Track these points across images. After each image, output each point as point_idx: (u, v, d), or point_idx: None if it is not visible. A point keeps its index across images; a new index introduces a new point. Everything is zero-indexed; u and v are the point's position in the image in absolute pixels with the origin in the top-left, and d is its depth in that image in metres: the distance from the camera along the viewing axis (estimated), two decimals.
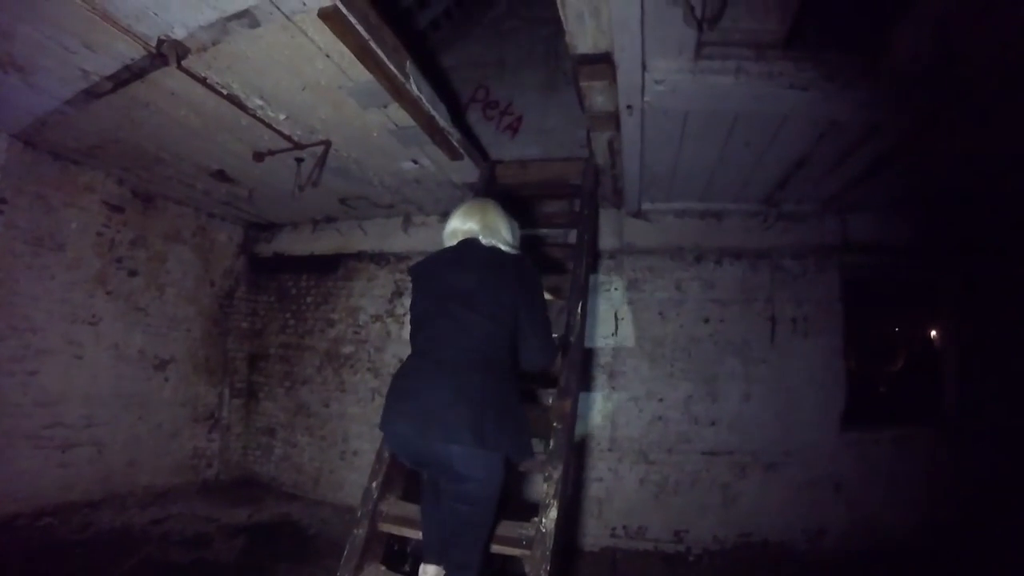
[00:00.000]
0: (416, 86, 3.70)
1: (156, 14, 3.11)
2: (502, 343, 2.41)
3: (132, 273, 5.88)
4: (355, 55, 3.31)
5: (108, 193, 5.58)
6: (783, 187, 5.09)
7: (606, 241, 5.92)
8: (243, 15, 3.09)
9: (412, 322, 2.58)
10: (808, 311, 5.50)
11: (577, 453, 5.41)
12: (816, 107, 3.57)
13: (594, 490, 5.56)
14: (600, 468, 5.59)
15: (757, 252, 5.65)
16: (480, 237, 2.60)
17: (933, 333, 6.82)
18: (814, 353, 5.43)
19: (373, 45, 3.27)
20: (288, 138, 4.56)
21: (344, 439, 6.56)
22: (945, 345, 5.81)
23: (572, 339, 3.23)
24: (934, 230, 5.38)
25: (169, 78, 3.69)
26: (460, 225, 2.66)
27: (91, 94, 3.92)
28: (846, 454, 5.27)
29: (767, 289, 5.59)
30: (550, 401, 3.06)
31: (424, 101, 3.85)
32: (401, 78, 3.56)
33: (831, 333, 5.45)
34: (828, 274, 5.54)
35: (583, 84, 3.39)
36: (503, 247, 2.60)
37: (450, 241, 2.67)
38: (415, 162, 4.97)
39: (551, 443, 2.85)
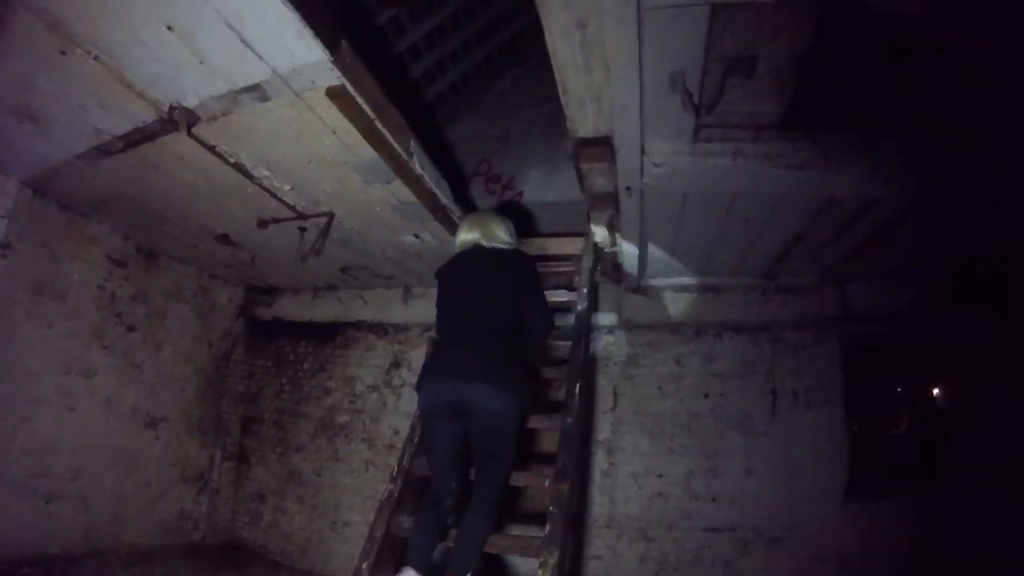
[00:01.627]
0: (419, 165, 3.77)
1: (170, 81, 3.21)
2: (507, 316, 3.11)
3: (130, 328, 5.85)
4: (361, 133, 3.39)
5: (112, 247, 5.60)
6: (781, 261, 5.11)
7: (605, 317, 5.92)
8: (253, 89, 3.17)
9: (438, 314, 3.32)
10: (809, 383, 5.43)
11: (574, 530, 5.26)
12: (813, 186, 3.62)
13: (592, 568, 5.38)
14: (598, 545, 5.43)
15: (757, 325, 5.62)
16: (483, 242, 3.36)
17: (936, 391, 6.70)
18: (816, 425, 5.32)
19: (379, 124, 3.35)
20: (292, 208, 4.61)
21: (335, 509, 6.40)
22: (949, 409, 5.69)
23: (570, 420, 3.19)
24: (933, 296, 5.34)
25: (179, 143, 3.76)
26: (466, 236, 3.44)
27: (102, 151, 3.99)
28: (850, 526, 5.10)
29: (767, 362, 5.54)
30: (547, 483, 2.99)
31: (427, 179, 3.92)
32: (405, 157, 3.64)
33: (833, 404, 5.36)
34: (828, 345, 5.49)
35: (583, 166, 3.45)
36: (502, 246, 3.37)
37: (461, 249, 3.43)
38: (416, 236, 5.03)
39: (547, 527, 2.78)
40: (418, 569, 2.71)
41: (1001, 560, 4.74)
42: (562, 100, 2.97)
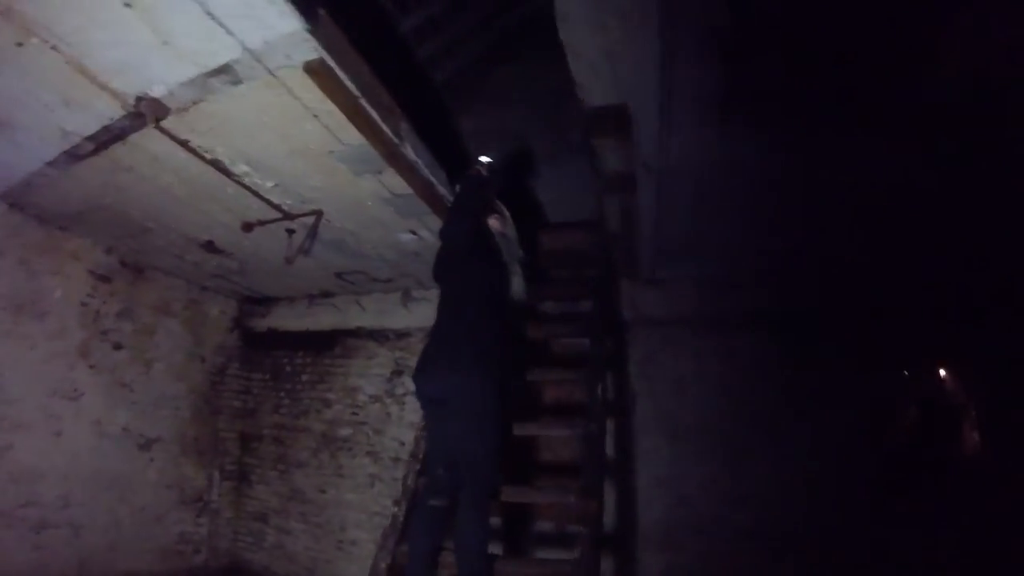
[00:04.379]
0: (413, 150, 3.46)
1: (134, 69, 2.96)
2: (479, 295, 3.13)
3: (117, 346, 5.59)
4: (346, 115, 3.09)
5: (95, 262, 5.36)
6: (806, 248, 4.81)
7: (620, 312, 5.53)
8: (224, 70, 2.89)
9: None
10: (834, 377, 5.04)
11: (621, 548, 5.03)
12: (848, 165, 3.33)
13: None
14: (621, 556, 5.07)
15: (780, 318, 5.26)
16: None
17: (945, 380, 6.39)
18: (843, 421, 4.95)
19: (365, 103, 3.05)
20: (278, 207, 4.33)
21: (341, 528, 6.08)
22: (964, 403, 5.35)
23: (594, 427, 2.85)
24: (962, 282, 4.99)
25: (151, 141, 3.53)
26: None
27: (73, 156, 3.76)
28: (885, 524, 4.71)
29: (792, 356, 5.18)
30: (572, 500, 2.64)
31: (422, 166, 3.62)
32: (396, 141, 3.34)
33: (858, 398, 4.99)
34: (852, 338, 5.10)
35: (595, 142, 3.08)
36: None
37: None
38: (414, 233, 4.72)
39: (577, 552, 2.43)
40: None
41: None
42: (572, 66, 2.61)
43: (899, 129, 3.07)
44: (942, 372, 5.99)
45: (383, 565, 2.59)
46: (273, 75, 2.88)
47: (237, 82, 2.96)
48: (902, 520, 4.76)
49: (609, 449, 5.14)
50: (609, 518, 5.09)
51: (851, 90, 2.93)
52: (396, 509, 2.89)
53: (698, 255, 4.96)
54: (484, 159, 3.52)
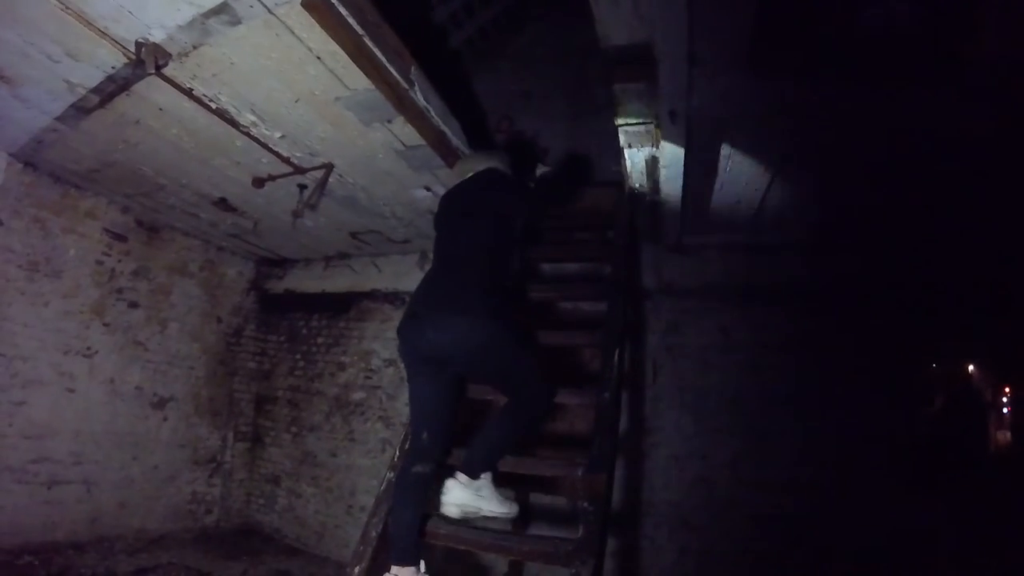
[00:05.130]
0: (423, 96, 3.25)
1: (132, 13, 2.87)
2: (480, 242, 2.84)
3: (132, 305, 5.60)
4: (350, 56, 2.92)
5: (111, 220, 5.35)
6: (842, 216, 4.53)
7: (642, 279, 5.35)
8: (221, 10, 2.76)
9: None
10: (868, 357, 4.80)
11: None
12: (895, 112, 3.02)
13: (627, 562, 4.88)
14: (632, 535, 4.93)
15: (812, 290, 4.99)
16: (459, 179, 3.20)
17: (971, 368, 6.09)
18: (874, 404, 4.69)
19: (369, 43, 2.87)
20: (287, 161, 4.20)
21: (351, 493, 6.04)
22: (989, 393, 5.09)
23: (607, 395, 2.64)
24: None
25: (155, 91, 3.46)
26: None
27: (80, 109, 3.74)
28: (912, 517, 4.48)
29: (824, 332, 4.91)
30: (579, 473, 2.45)
31: (433, 114, 3.42)
32: (405, 85, 3.14)
33: (888, 380, 4.73)
34: (887, 316, 4.83)
35: (617, 87, 2.81)
36: (473, 172, 3.13)
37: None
38: (428, 189, 4.55)
39: (580, 529, 2.24)
40: (404, 565, 2.39)
41: None
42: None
43: (944, 88, 2.78)
44: (971, 368, 5.70)
45: (374, 533, 2.44)
46: (272, 13, 2.74)
47: (236, 22, 2.83)
48: (923, 511, 4.55)
49: (625, 423, 4.96)
50: (622, 495, 4.94)
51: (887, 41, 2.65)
52: (391, 474, 2.72)
53: (728, 219, 4.71)
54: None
